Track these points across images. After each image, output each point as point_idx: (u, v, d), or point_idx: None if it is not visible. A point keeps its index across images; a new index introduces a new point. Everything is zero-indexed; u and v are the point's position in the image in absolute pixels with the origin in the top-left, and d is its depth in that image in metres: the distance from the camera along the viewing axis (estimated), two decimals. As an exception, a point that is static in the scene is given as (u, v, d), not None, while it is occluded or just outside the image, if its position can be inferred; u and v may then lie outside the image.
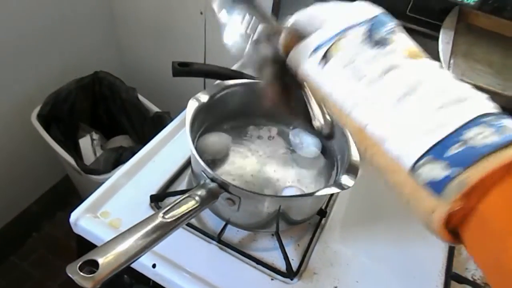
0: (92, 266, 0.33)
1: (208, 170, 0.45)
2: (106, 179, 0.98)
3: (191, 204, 0.41)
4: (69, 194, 1.48)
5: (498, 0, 0.55)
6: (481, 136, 0.23)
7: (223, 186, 0.45)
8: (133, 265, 0.49)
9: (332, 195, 0.60)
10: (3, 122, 1.11)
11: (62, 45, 1.17)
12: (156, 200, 0.55)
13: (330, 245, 0.54)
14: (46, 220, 1.44)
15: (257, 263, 0.51)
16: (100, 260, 0.32)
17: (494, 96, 0.26)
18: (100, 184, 0.56)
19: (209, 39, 1.15)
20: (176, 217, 0.39)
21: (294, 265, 0.50)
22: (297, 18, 0.34)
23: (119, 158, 1.02)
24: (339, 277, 0.51)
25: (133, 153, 1.01)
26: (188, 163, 0.62)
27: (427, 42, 0.44)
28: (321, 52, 0.31)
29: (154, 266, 0.48)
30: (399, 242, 0.56)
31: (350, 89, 0.30)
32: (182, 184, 0.59)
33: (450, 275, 0.53)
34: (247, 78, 0.66)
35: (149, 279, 0.50)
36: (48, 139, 1.06)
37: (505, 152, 0.22)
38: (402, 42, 0.30)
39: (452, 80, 0.27)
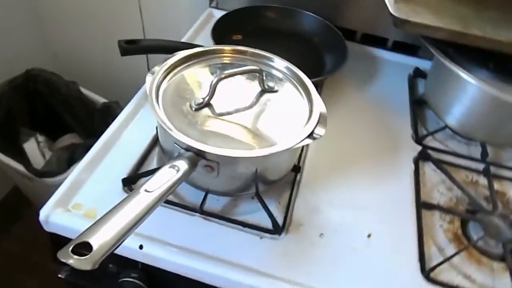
0: (84, 249, 0.31)
1: (182, 139, 0.44)
2: (62, 181, 0.93)
3: (171, 174, 0.40)
4: (21, 206, 1.38)
5: None
6: None
7: (200, 153, 0.44)
8: (118, 251, 0.47)
9: (303, 151, 0.61)
10: None
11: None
12: (129, 183, 0.53)
13: (309, 198, 0.56)
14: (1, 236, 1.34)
15: (243, 226, 0.51)
16: (92, 241, 0.31)
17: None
18: (56, 186, 0.52)
19: (146, 17, 1.09)
20: (159, 189, 0.38)
21: (279, 222, 0.51)
22: None
23: (72, 156, 0.96)
24: (323, 225, 0.53)
25: (87, 148, 0.97)
26: (153, 144, 0.60)
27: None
28: None
29: (141, 247, 0.47)
30: (370, 184, 0.59)
31: None
32: (151, 165, 0.57)
33: (420, 204, 0.57)
34: (200, 48, 0.64)
35: (137, 262, 0.49)
36: (-12, 149, 0.97)
37: None
38: None
39: None
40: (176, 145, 0.45)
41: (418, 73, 0.81)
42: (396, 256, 0.51)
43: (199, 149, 0.43)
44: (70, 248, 0.30)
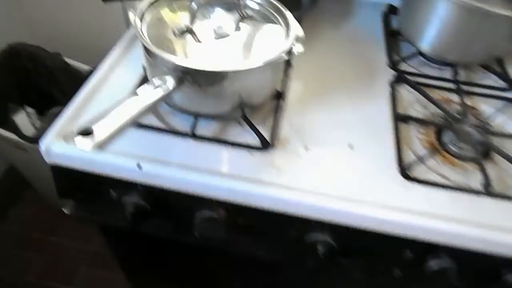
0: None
1: (168, 58, 0.46)
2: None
3: (160, 84, 0.43)
4: (17, 188, 1.39)
5: None
6: None
7: (186, 71, 0.47)
8: (118, 174, 0.51)
9: (285, 78, 0.64)
10: None
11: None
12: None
13: (293, 119, 0.60)
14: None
15: (233, 145, 0.55)
16: (94, 127, 0.34)
17: None
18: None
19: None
20: (151, 96, 0.41)
21: (267, 139, 0.55)
22: None
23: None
24: (307, 140, 0.57)
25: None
26: (141, 83, 0.62)
27: None
28: None
29: (139, 166, 0.50)
30: (350, 105, 0.63)
31: None
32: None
33: (397, 117, 0.61)
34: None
35: (137, 185, 0.52)
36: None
37: None
38: None
39: None
40: (163, 67, 0.48)
41: (391, 10, 0.84)
42: (377, 162, 0.55)
43: (185, 66, 0.46)
44: (76, 132, 0.33)
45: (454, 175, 0.56)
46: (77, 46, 1.20)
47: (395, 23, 0.81)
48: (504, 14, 0.57)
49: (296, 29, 0.54)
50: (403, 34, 0.75)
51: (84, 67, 1.11)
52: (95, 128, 0.34)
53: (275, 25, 0.57)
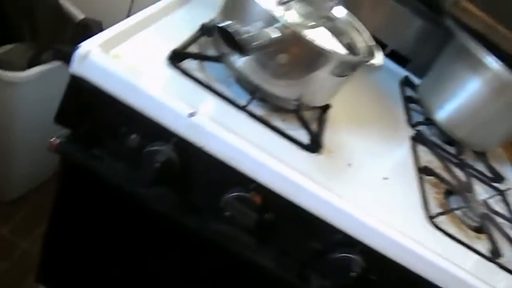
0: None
1: (278, 16, 0.43)
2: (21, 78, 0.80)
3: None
4: None
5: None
6: None
7: (285, 38, 0.43)
8: (157, 115, 0.43)
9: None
10: None
11: None
12: (177, 57, 0.48)
13: (336, 134, 0.58)
14: None
15: (282, 135, 0.50)
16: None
17: None
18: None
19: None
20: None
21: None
22: None
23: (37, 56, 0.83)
24: (350, 158, 0.55)
25: (56, 56, 0.85)
26: (199, 35, 0.56)
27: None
28: None
29: (192, 114, 0.42)
30: (380, 140, 0.65)
31: None
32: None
33: (421, 168, 0.63)
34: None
35: (171, 136, 0.44)
36: None
37: None
38: None
39: None
40: (259, 24, 0.44)
41: (407, 81, 0.90)
42: (406, 199, 0.56)
43: (295, 29, 0.43)
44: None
45: (460, 236, 0.57)
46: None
47: (408, 91, 0.87)
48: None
49: (378, 51, 0.55)
50: (421, 102, 0.80)
51: (78, 14, 0.98)
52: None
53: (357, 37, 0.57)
